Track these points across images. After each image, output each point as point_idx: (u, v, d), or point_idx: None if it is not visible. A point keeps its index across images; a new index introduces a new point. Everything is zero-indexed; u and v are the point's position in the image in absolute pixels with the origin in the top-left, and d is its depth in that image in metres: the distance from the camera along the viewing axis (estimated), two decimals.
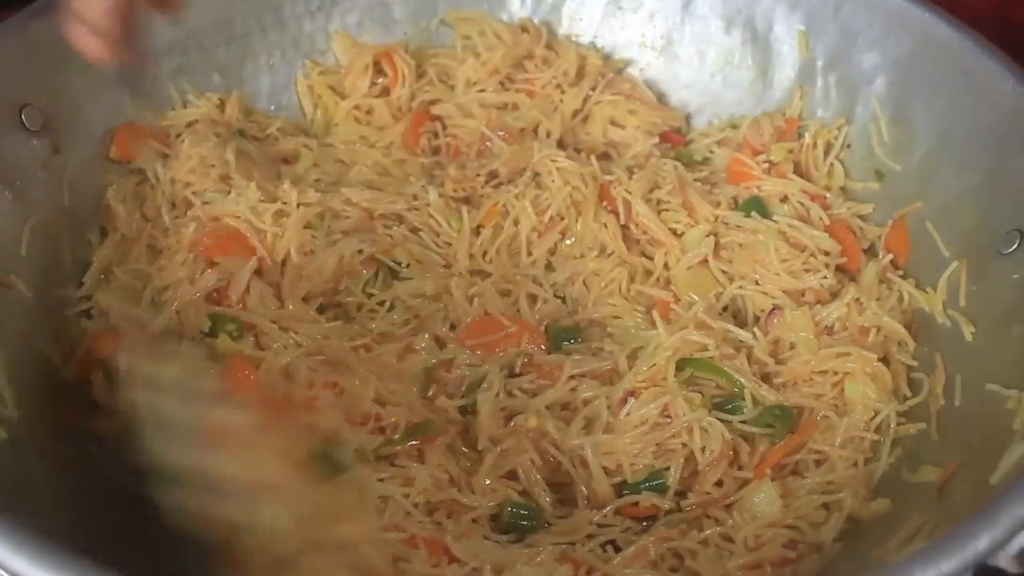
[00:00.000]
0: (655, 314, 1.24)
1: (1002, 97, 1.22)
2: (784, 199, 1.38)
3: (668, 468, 1.12)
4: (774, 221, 1.33)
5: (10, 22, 1.23)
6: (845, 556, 1.05)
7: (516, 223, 1.34)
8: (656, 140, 1.46)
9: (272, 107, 1.51)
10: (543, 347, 1.24)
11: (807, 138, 1.42)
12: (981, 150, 1.24)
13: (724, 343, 1.19)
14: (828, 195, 1.40)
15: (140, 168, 1.34)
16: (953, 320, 1.21)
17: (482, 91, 1.50)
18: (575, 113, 1.50)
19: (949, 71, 1.28)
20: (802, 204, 1.37)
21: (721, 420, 1.13)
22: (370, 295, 1.28)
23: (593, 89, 1.50)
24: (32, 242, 1.20)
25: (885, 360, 1.21)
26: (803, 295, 1.28)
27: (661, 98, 1.55)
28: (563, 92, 1.50)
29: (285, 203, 1.26)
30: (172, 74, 1.41)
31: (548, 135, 1.47)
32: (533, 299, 1.31)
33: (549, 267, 1.34)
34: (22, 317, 1.16)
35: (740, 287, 1.29)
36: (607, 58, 1.56)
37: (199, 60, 1.44)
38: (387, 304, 1.28)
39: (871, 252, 1.35)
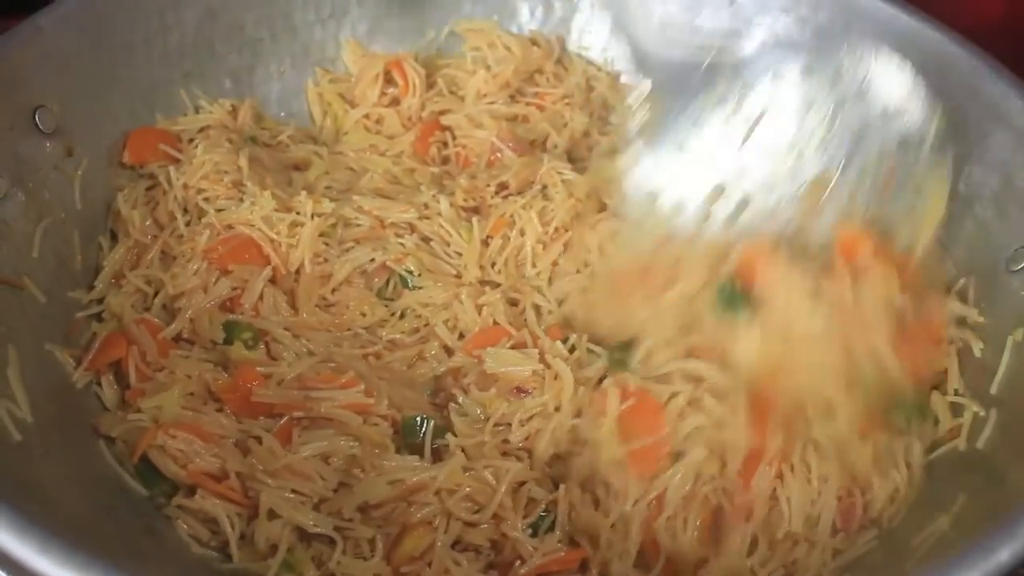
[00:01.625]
0: None
1: (1010, 116, 1.24)
2: None
3: None
4: None
5: (25, 25, 1.23)
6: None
7: (522, 234, 1.34)
8: None
9: (282, 114, 1.52)
10: None
11: None
12: (988, 168, 1.25)
13: None
14: None
15: (151, 173, 1.34)
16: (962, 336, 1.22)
17: (492, 103, 1.50)
18: (585, 133, 1.51)
19: (958, 90, 1.29)
20: None
21: None
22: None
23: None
24: (44, 244, 1.20)
25: None
26: None
27: None
28: (572, 111, 1.51)
29: (299, 213, 1.26)
30: (183, 78, 1.41)
31: (556, 148, 1.48)
32: (539, 310, 1.31)
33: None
34: (34, 319, 1.16)
35: None
36: (615, 81, 1.57)
37: (210, 65, 1.44)
38: (397, 313, 1.28)
39: None
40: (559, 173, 1.37)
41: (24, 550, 0.78)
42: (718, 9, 1.50)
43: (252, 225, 1.24)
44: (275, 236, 1.24)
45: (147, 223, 1.29)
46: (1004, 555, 0.81)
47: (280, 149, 1.43)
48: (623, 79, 1.58)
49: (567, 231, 1.34)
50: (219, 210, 1.27)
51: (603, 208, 1.34)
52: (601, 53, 1.58)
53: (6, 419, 1.03)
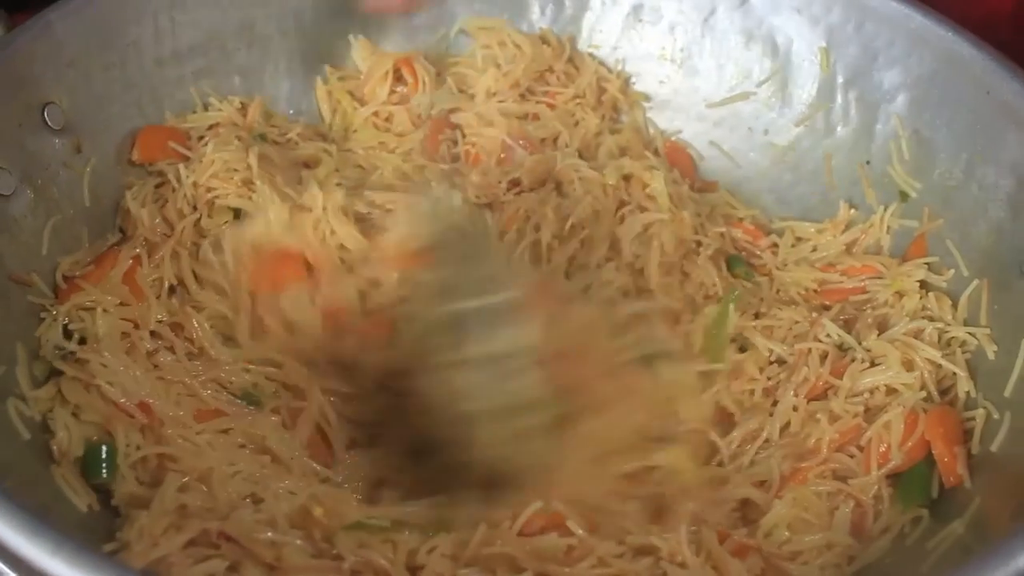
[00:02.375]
0: None
1: None
2: None
3: None
4: None
5: (34, 20, 1.22)
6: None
7: (537, 229, 1.34)
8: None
9: (291, 111, 1.50)
10: None
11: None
12: (1002, 169, 1.24)
13: None
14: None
15: (160, 170, 1.33)
16: (975, 338, 1.21)
17: (502, 101, 1.49)
18: (597, 134, 1.50)
19: (971, 90, 1.29)
20: None
21: None
22: None
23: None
24: (53, 241, 1.19)
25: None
26: None
27: (679, 111, 1.55)
28: (584, 111, 1.50)
29: (312, 209, 1.26)
30: (193, 76, 1.40)
31: (567, 146, 1.47)
32: None
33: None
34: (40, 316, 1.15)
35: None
36: (627, 83, 1.56)
37: (220, 63, 1.43)
38: None
39: None
40: (575, 170, 1.36)
41: (36, 551, 0.77)
42: (730, 10, 1.49)
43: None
44: (304, 237, 1.24)
45: (156, 221, 1.28)
46: (1023, 561, 0.81)
47: (290, 147, 1.42)
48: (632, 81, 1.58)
49: (584, 228, 1.34)
50: (225, 223, 1.27)
51: (623, 204, 1.33)
52: (612, 52, 1.57)
53: (15, 417, 1.03)
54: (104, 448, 1.06)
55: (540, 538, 1.02)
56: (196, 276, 1.25)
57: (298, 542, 0.97)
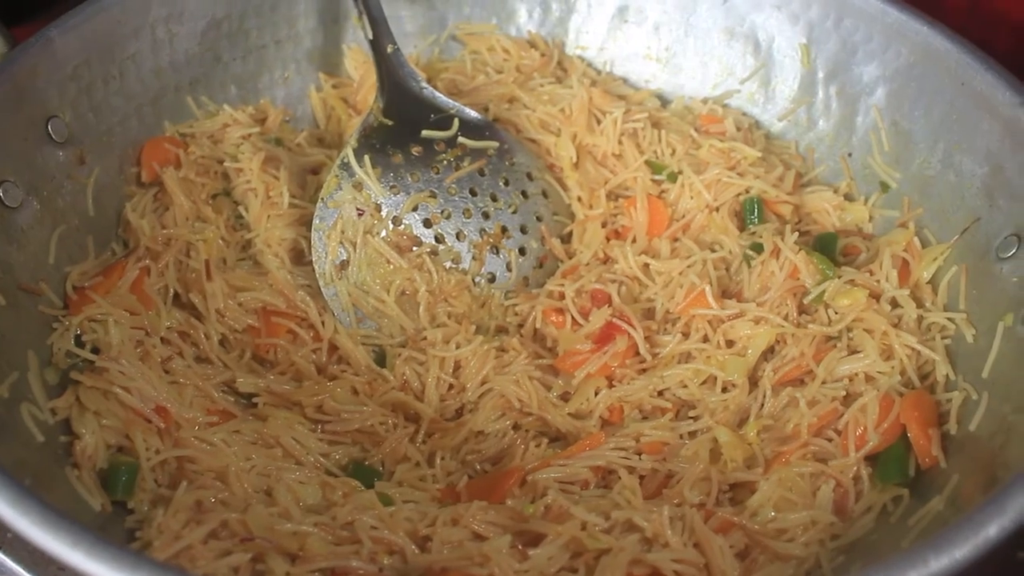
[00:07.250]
0: None
1: (998, 107, 1.26)
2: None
3: None
4: None
5: (35, 37, 1.26)
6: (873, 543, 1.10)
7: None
8: None
9: (286, 119, 1.53)
10: None
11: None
12: (977, 157, 1.28)
13: None
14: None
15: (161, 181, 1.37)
16: (954, 323, 1.24)
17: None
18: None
19: (947, 82, 1.32)
20: None
21: None
22: None
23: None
24: (60, 250, 1.23)
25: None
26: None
27: (665, 107, 1.59)
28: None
29: None
30: (190, 86, 1.44)
31: None
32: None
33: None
34: (52, 324, 1.19)
35: None
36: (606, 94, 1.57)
37: (216, 72, 1.47)
38: None
39: None
40: None
41: (57, 545, 0.81)
42: (712, 8, 1.53)
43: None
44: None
45: (158, 230, 1.32)
46: (993, 530, 0.84)
47: (300, 152, 1.46)
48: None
49: None
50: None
51: None
52: (599, 54, 1.61)
53: (29, 422, 1.07)
54: (124, 472, 1.10)
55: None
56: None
57: (317, 531, 1.02)
